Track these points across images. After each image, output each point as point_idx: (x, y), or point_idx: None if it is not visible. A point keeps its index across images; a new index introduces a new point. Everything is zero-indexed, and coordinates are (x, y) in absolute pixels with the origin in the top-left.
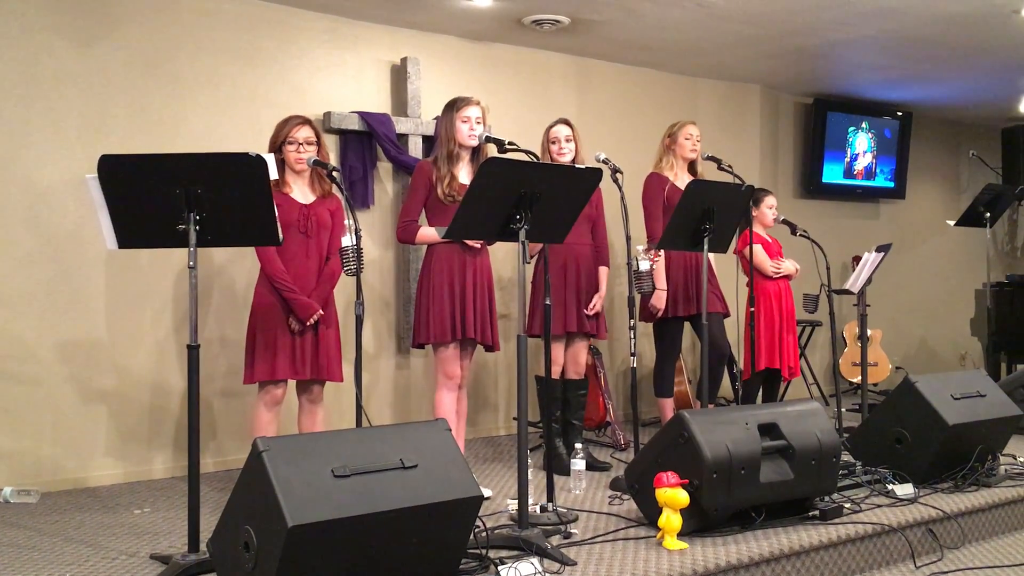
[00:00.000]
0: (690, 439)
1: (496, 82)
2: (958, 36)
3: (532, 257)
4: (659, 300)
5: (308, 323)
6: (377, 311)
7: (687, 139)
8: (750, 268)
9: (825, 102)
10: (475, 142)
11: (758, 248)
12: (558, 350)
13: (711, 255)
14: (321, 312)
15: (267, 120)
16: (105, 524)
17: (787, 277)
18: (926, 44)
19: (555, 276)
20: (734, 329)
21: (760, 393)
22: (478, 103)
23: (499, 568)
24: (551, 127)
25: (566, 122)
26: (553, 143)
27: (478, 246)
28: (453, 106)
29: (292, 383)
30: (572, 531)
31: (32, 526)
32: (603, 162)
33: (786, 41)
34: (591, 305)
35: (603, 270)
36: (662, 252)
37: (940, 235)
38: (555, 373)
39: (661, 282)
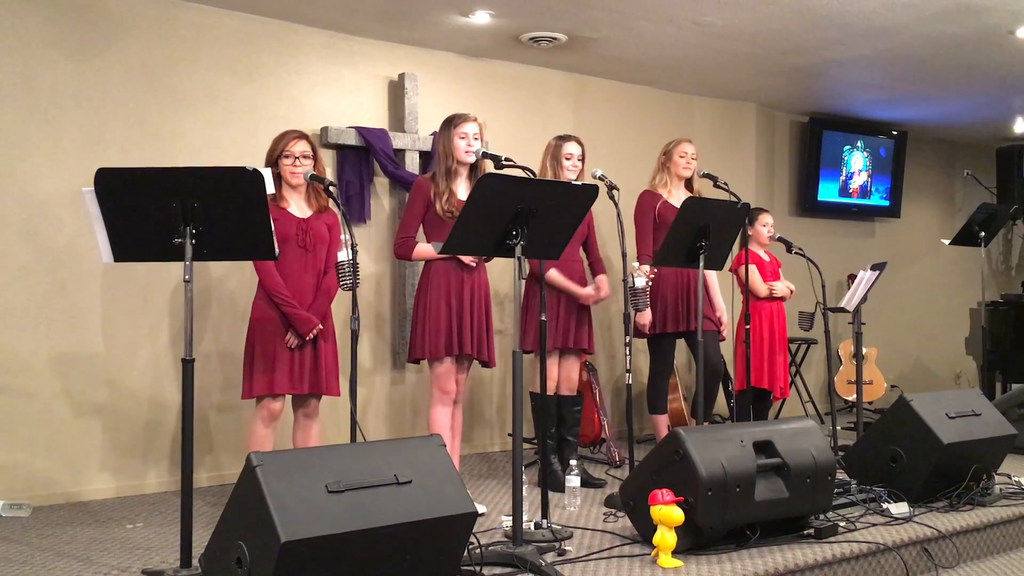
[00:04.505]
0: (685, 456)
1: (493, 98)
2: (953, 56)
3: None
4: (642, 317)
5: (307, 338)
6: (373, 326)
7: (681, 157)
8: (745, 286)
9: (821, 121)
10: (472, 158)
11: (752, 268)
12: (553, 366)
13: (711, 272)
14: (320, 327)
15: (264, 134)
16: (97, 539)
17: (781, 298)
18: (921, 64)
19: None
20: (728, 346)
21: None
22: (475, 119)
23: None
24: (564, 142)
25: (579, 141)
26: (567, 158)
27: (473, 264)
28: (450, 122)
29: (288, 397)
30: (566, 548)
31: (24, 540)
32: (599, 179)
33: (782, 60)
34: (590, 291)
35: (602, 277)
36: (656, 269)
37: (935, 254)
38: (551, 389)
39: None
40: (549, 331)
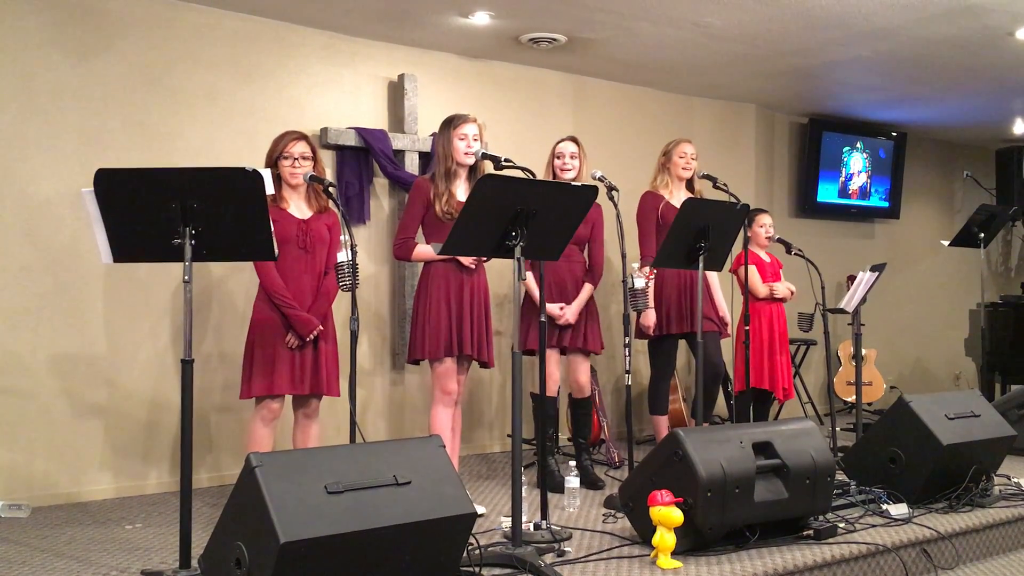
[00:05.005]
0: (685, 457)
1: (493, 99)
2: (953, 57)
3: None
4: (646, 319)
5: (308, 339)
6: (372, 327)
7: (681, 157)
8: (745, 287)
9: (820, 122)
10: (471, 159)
11: (751, 269)
12: (552, 365)
13: (713, 273)
14: (320, 328)
15: (264, 135)
16: (96, 539)
17: (781, 299)
18: (921, 65)
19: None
20: (728, 347)
21: (752, 413)
22: (474, 120)
23: None
24: (558, 143)
25: (574, 140)
26: (557, 158)
27: (473, 265)
28: (450, 123)
29: (288, 397)
30: (566, 549)
31: (23, 541)
32: (599, 180)
33: (782, 61)
34: (560, 312)
35: (587, 287)
36: (655, 270)
37: (934, 255)
38: (551, 390)
39: (651, 301)
40: (554, 330)
